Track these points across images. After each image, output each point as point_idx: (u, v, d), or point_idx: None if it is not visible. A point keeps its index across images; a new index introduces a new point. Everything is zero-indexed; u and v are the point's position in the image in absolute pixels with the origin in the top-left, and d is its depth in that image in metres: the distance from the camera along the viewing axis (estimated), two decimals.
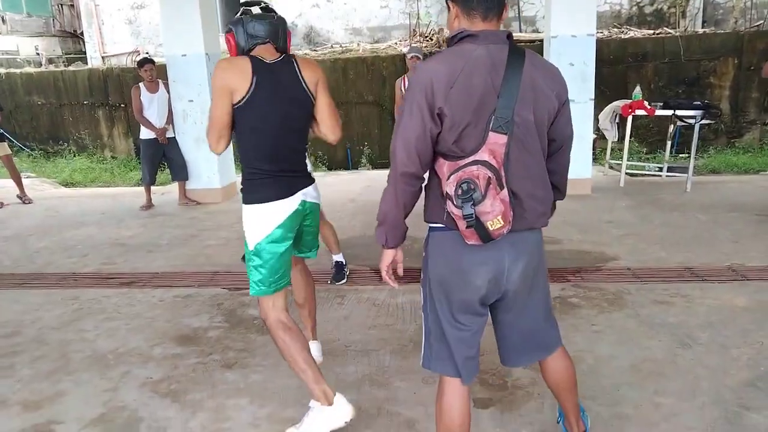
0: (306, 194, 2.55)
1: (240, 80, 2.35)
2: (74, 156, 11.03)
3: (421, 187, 1.91)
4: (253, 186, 2.46)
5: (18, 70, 12.02)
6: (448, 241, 1.87)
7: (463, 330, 1.94)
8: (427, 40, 11.09)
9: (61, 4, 18.48)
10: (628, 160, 7.12)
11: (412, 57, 6.60)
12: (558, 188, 2.09)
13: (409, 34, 11.81)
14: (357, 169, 9.79)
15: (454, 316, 1.93)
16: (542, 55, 6.77)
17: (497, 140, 1.75)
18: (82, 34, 15.80)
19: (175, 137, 7.09)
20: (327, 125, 2.60)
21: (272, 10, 2.56)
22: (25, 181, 8.00)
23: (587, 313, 3.66)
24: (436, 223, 1.90)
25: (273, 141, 2.45)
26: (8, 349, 3.50)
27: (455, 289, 1.90)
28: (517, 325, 2.04)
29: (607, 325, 3.49)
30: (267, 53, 2.46)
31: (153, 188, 7.26)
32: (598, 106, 7.44)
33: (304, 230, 2.67)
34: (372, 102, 9.86)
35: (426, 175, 1.90)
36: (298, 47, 12.57)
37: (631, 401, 2.72)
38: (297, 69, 2.50)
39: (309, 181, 2.60)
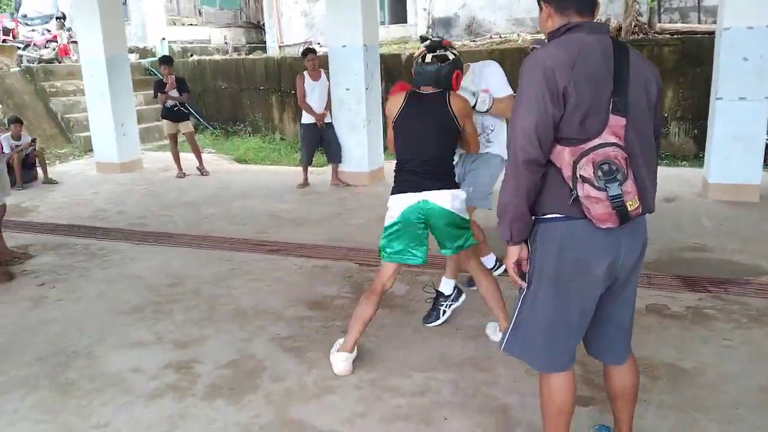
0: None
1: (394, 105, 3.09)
2: (249, 136, 12.16)
3: (542, 175, 1.87)
4: (396, 179, 3.10)
5: (208, 58, 13.50)
6: (568, 231, 1.87)
7: (578, 322, 1.97)
8: (609, 29, 10.64)
9: None
10: None
11: (533, 49, 6.46)
12: None
13: None
14: None
15: (569, 309, 1.93)
16: (713, 48, 6.24)
17: (618, 122, 1.78)
18: (263, 25, 17.27)
19: (332, 122, 7.58)
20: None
21: (444, 59, 3.03)
22: (205, 156, 9.04)
23: (721, 326, 3.41)
24: (551, 213, 1.89)
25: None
26: (170, 297, 4.09)
27: (575, 281, 1.90)
28: (615, 316, 2.04)
29: (742, 341, 3.24)
30: (426, 89, 3.06)
31: (310, 169, 7.83)
32: None
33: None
34: None
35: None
36: (458, 38, 12.68)
37: (749, 423, 2.53)
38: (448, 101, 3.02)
39: (444, 185, 3.01)
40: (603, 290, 1.94)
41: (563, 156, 1.81)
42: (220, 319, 3.72)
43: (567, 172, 1.81)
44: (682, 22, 10.69)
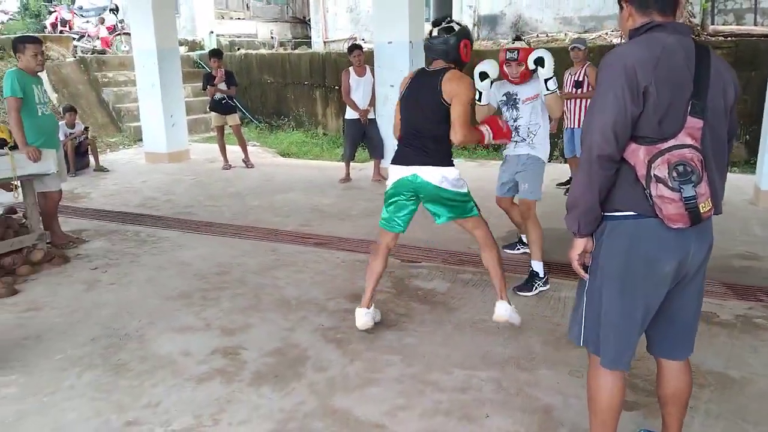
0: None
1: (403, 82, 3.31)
2: (293, 130, 12.31)
3: (616, 171, 1.86)
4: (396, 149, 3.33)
5: (254, 52, 13.70)
6: (641, 229, 1.87)
7: (642, 320, 1.97)
8: (692, 31, 10.41)
9: None
10: None
11: (573, 48, 6.42)
12: None
13: None
14: (549, 161, 9.58)
15: (634, 306, 1.93)
16: None
17: (695, 124, 1.79)
18: (309, 20, 17.43)
19: (375, 119, 7.62)
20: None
21: (450, 29, 3.15)
22: (250, 149, 9.20)
23: None
24: (622, 211, 1.89)
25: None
26: (218, 285, 4.20)
27: (642, 279, 1.90)
28: (681, 314, 2.04)
29: None
30: (435, 66, 3.19)
31: (352, 164, 7.89)
32: None
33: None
34: None
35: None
36: (503, 36, 12.57)
37: None
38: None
39: (435, 162, 3.15)
40: (669, 289, 1.95)
41: (638, 154, 1.82)
42: (265, 308, 3.80)
43: (641, 171, 1.81)
44: (737, 24, 10.37)
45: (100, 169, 8.59)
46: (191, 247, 5.04)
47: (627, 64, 1.78)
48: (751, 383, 2.86)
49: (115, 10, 14.95)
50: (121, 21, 14.70)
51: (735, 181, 7.17)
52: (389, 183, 3.27)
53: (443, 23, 3.16)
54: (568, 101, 6.50)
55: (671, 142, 1.78)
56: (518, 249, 4.74)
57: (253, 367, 3.07)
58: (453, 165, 3.22)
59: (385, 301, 3.86)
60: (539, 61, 3.73)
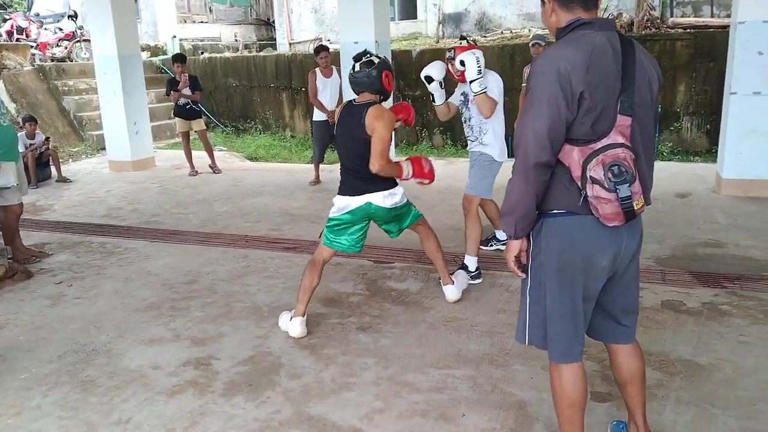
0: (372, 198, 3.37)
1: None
2: (260, 134, 12.20)
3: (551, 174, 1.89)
4: (341, 182, 3.47)
5: (219, 55, 13.54)
6: (576, 226, 1.91)
7: (584, 312, 2.02)
8: (615, 26, 10.58)
9: None
10: None
11: (534, 45, 6.49)
12: None
13: None
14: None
15: (575, 300, 1.98)
16: (727, 42, 6.20)
17: (624, 122, 1.82)
18: (273, 22, 17.30)
19: None
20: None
21: (370, 63, 3.30)
22: (216, 154, 9.08)
23: (737, 322, 3.41)
24: (557, 209, 1.93)
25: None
26: (187, 294, 4.13)
27: (580, 273, 1.94)
28: (619, 301, 2.10)
29: (758, 336, 3.23)
30: (361, 99, 3.38)
31: (321, 166, 7.85)
32: None
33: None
34: None
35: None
36: (468, 34, 12.66)
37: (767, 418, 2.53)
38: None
39: (378, 188, 3.36)
40: (605, 280, 2.00)
41: (572, 155, 1.84)
42: (237, 316, 3.75)
43: (576, 172, 1.84)
44: (695, 16, 10.60)
45: (62, 180, 8.38)
46: (159, 257, 4.95)
47: (560, 70, 1.78)
48: (720, 369, 2.92)
49: (73, 16, 14.61)
50: (81, 27, 14.38)
51: (697, 170, 7.34)
52: (338, 211, 3.42)
53: (363, 58, 3.34)
54: None
55: (604, 142, 1.80)
56: (491, 246, 4.76)
57: (226, 377, 3.03)
58: (397, 184, 3.48)
59: (359, 303, 3.85)
60: (461, 63, 3.74)
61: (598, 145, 1.80)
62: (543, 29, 11.66)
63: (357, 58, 3.36)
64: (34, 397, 2.92)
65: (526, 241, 2.03)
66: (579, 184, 1.84)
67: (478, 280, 4.07)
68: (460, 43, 3.99)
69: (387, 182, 3.40)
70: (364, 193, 3.36)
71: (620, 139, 1.81)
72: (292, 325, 3.41)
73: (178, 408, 2.77)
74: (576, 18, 1.88)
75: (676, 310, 3.56)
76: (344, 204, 3.40)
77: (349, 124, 3.35)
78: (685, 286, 3.90)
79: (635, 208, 1.82)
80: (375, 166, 3.26)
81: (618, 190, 1.78)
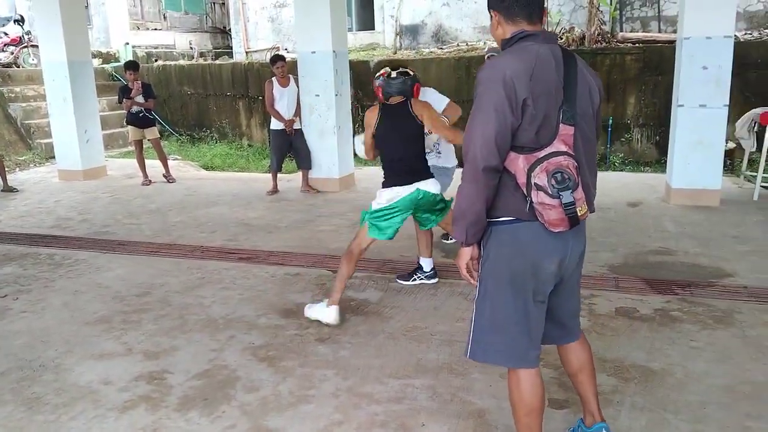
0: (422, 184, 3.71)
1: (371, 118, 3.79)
2: (216, 142, 12.00)
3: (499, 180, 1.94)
4: (386, 175, 3.78)
5: (173, 63, 13.30)
6: (523, 232, 1.96)
7: (537, 316, 2.05)
8: (558, 39, 10.84)
9: (214, 3, 20.10)
10: (765, 173, 6.54)
11: (490, 57, 6.64)
12: None
13: None
14: None
15: (528, 305, 2.01)
16: (674, 56, 6.43)
17: (567, 131, 1.89)
18: (229, 30, 17.12)
19: (301, 129, 7.54)
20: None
21: (406, 74, 3.76)
22: (171, 163, 8.89)
23: (688, 328, 3.50)
24: (505, 216, 1.97)
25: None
26: (138, 307, 4.01)
27: (530, 279, 1.98)
28: (566, 305, 2.19)
29: (708, 342, 3.33)
30: (395, 100, 3.77)
31: (279, 175, 7.78)
32: (741, 114, 6.91)
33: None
34: None
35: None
36: (425, 45, 12.78)
37: (716, 421, 2.60)
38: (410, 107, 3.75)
39: (426, 176, 3.76)
40: (553, 285, 2.06)
41: (518, 163, 1.90)
42: (191, 329, 3.66)
43: (521, 179, 1.90)
44: (644, 31, 10.96)
45: (8, 189, 8.06)
46: (110, 269, 4.80)
47: (506, 78, 1.84)
48: (671, 374, 2.99)
49: (20, 20, 14.14)
50: (28, 32, 13.93)
51: (648, 180, 7.57)
52: (387, 202, 3.66)
53: (400, 68, 3.80)
54: None
55: (547, 150, 1.87)
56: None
57: (180, 391, 2.94)
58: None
59: None
60: None
61: (542, 153, 1.87)
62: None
63: (394, 68, 3.80)
64: None
65: (477, 249, 2.07)
66: (524, 191, 1.90)
67: (432, 281, 4.30)
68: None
69: (429, 171, 3.82)
70: (413, 182, 3.67)
71: (563, 148, 1.87)
72: (330, 312, 3.60)
73: (129, 424, 2.67)
74: (520, 30, 1.96)
75: (630, 317, 3.64)
76: (394, 194, 3.66)
77: (396, 120, 3.73)
78: (638, 293, 4.00)
79: (579, 214, 1.88)
80: (457, 138, 3.74)
81: (561, 197, 1.84)
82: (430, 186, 3.73)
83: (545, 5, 2.02)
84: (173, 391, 2.94)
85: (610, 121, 8.75)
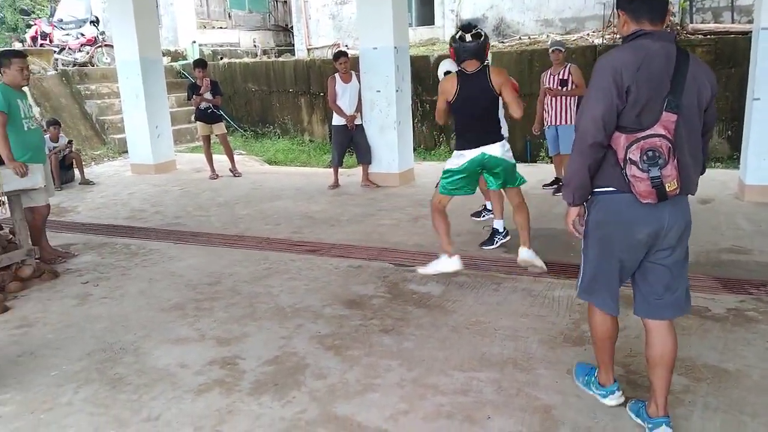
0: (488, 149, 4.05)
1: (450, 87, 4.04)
2: (278, 138, 12.30)
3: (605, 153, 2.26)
4: (458, 139, 4.18)
5: (237, 60, 13.67)
6: (618, 202, 2.29)
7: (620, 275, 2.42)
8: (675, 38, 10.55)
9: (276, 1, 20.53)
10: None
11: (554, 50, 6.54)
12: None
13: (602, 25, 11.30)
14: (535, 162, 9.65)
15: (611, 263, 2.39)
16: (749, 48, 6.16)
17: (669, 118, 2.16)
18: (291, 27, 17.43)
19: (362, 124, 7.63)
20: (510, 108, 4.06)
21: (479, 35, 3.93)
22: (236, 158, 9.16)
23: (764, 328, 3.37)
24: (605, 186, 2.31)
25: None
26: (210, 295, 4.18)
27: (619, 242, 2.33)
28: (662, 279, 2.38)
29: None
30: (470, 66, 4.00)
31: (340, 170, 7.90)
32: None
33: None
34: None
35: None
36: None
37: None
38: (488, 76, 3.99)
39: (495, 139, 4.09)
40: (644, 254, 2.34)
41: (619, 141, 2.21)
42: (261, 317, 3.79)
43: (620, 155, 2.21)
44: (715, 22, 10.53)
45: (85, 182, 8.51)
46: (182, 258, 5.01)
47: (615, 67, 2.18)
48: (747, 376, 2.90)
49: (95, 21, 14.84)
50: (102, 33, 14.60)
51: (719, 176, 7.27)
52: (458, 164, 4.06)
53: (473, 30, 3.94)
54: (552, 99, 6.56)
55: (647, 132, 2.16)
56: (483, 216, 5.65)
57: (252, 376, 3.06)
58: (504, 138, 4.17)
59: (381, 306, 3.87)
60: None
61: (642, 134, 2.16)
62: (561, 35, 11.65)
63: (466, 29, 3.94)
64: (65, 393, 2.97)
65: (583, 209, 2.44)
66: (621, 165, 2.20)
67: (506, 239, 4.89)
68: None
69: (499, 135, 4.12)
70: (480, 146, 4.01)
71: (662, 131, 2.14)
72: (452, 262, 4.10)
73: (205, 406, 2.81)
74: (640, 29, 2.24)
75: (701, 316, 3.54)
76: (461, 157, 4.04)
77: (474, 87, 3.96)
78: (710, 292, 3.88)
79: (667, 189, 2.15)
80: (517, 111, 3.94)
81: (649, 171, 2.13)
82: (495, 149, 4.01)
83: (668, 7, 2.28)
84: (245, 376, 3.06)
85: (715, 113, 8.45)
